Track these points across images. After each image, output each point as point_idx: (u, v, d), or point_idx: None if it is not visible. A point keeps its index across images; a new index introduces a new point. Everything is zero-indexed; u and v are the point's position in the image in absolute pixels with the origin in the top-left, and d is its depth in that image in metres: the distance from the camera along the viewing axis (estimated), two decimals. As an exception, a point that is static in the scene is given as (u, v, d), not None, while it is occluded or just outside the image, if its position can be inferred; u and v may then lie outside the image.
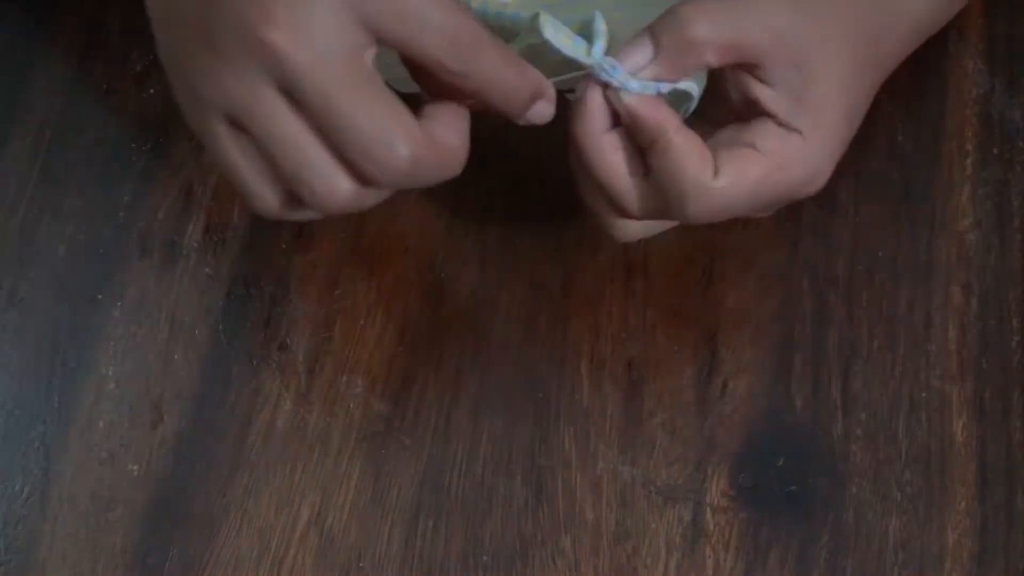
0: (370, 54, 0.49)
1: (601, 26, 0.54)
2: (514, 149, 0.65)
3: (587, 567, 0.58)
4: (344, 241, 0.64)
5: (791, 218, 0.64)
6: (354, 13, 0.48)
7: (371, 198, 0.52)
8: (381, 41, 0.49)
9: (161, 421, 0.61)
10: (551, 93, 0.54)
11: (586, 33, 0.54)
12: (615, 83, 0.54)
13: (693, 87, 0.56)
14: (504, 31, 0.63)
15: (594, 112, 0.54)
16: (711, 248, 0.64)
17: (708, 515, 0.59)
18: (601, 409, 0.61)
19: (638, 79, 0.54)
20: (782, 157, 0.54)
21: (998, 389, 0.61)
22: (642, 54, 0.54)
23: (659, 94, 0.54)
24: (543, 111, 0.54)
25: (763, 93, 0.55)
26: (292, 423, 0.61)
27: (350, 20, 0.48)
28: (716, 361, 0.62)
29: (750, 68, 0.55)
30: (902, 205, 0.65)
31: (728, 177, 0.54)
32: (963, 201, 0.65)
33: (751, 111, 0.56)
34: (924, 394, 0.61)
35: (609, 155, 0.55)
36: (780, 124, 0.55)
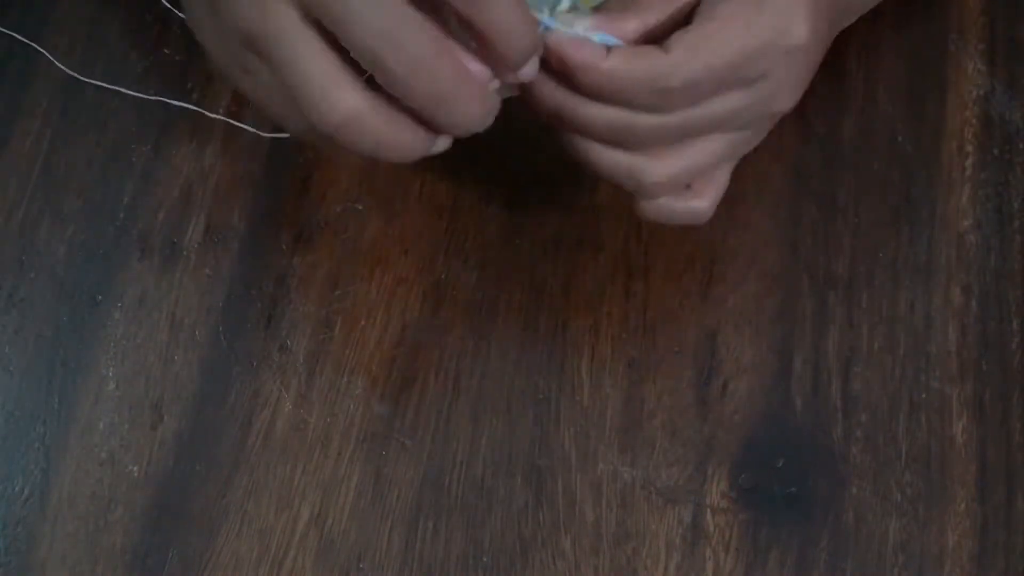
0: None
1: None
2: (514, 149, 0.65)
3: (587, 568, 0.58)
4: (344, 241, 0.64)
5: (791, 219, 0.64)
6: None
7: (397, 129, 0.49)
8: None
9: (161, 422, 0.61)
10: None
11: None
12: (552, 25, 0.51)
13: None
14: None
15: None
16: (711, 249, 0.64)
17: (708, 516, 0.59)
18: (601, 410, 0.61)
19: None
20: (741, 13, 0.52)
21: (998, 390, 0.61)
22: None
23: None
24: (533, 70, 0.51)
25: None
26: (292, 424, 0.61)
27: None
28: (716, 362, 0.62)
29: None
30: (902, 205, 0.65)
31: (682, 50, 0.51)
32: (963, 202, 0.65)
33: None
34: (924, 395, 0.61)
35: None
36: None
